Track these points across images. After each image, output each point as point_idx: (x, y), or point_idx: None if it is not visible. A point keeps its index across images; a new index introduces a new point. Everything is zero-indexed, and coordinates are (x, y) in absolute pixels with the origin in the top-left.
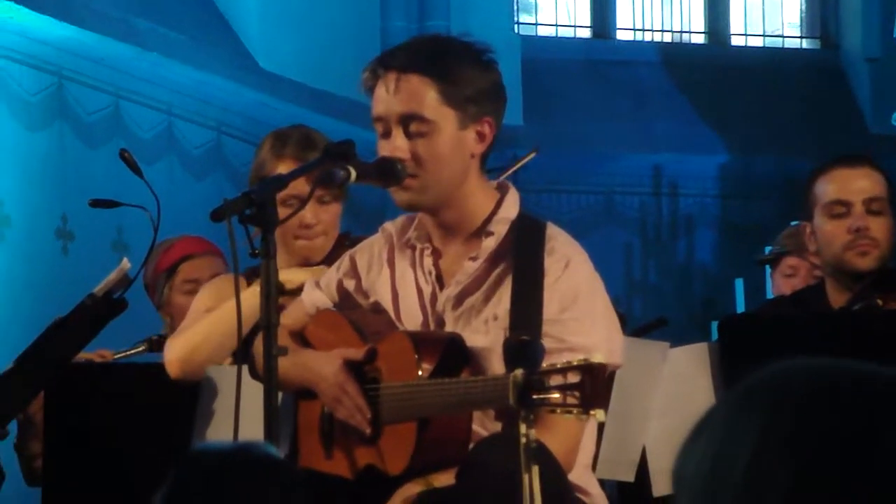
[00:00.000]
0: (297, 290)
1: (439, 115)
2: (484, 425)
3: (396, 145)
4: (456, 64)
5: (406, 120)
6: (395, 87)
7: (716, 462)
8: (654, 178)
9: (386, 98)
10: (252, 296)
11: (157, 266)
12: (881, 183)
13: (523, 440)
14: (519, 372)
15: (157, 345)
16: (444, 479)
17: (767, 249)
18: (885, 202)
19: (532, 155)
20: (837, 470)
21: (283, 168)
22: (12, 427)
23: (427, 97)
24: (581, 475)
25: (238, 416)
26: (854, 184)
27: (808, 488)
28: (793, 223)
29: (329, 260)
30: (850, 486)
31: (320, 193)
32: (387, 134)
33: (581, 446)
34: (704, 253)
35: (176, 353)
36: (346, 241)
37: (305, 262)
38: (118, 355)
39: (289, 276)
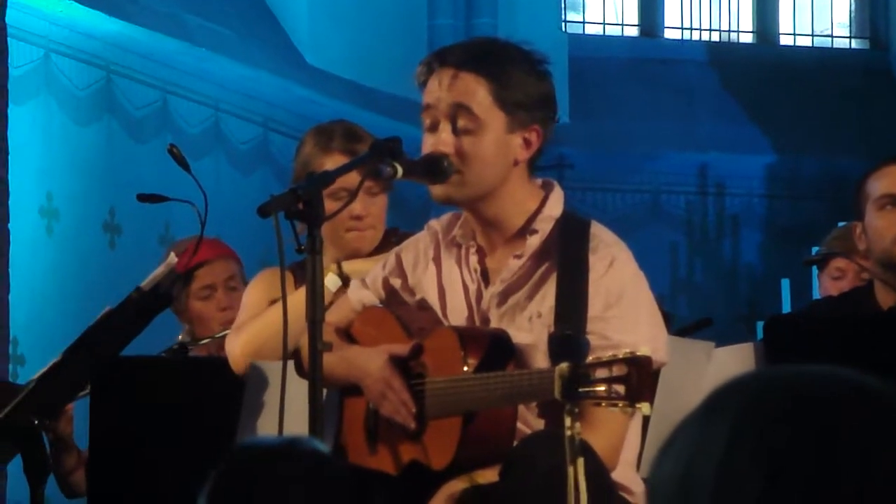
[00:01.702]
0: None
1: (488, 115)
2: (527, 422)
3: (442, 139)
4: (512, 68)
5: (455, 113)
6: (450, 82)
7: (688, 467)
8: (701, 178)
9: (438, 90)
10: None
11: None
12: None
13: (568, 433)
14: (564, 365)
15: (179, 355)
16: (489, 475)
17: (815, 250)
18: None
19: None
20: (806, 477)
21: (331, 162)
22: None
23: (479, 95)
24: (625, 473)
25: (283, 412)
26: None
27: (778, 493)
28: (840, 224)
29: (377, 253)
30: (818, 492)
31: (369, 185)
32: (433, 127)
33: (626, 443)
34: (750, 253)
35: (243, 348)
36: (393, 238)
37: (355, 255)
38: None
39: (354, 266)
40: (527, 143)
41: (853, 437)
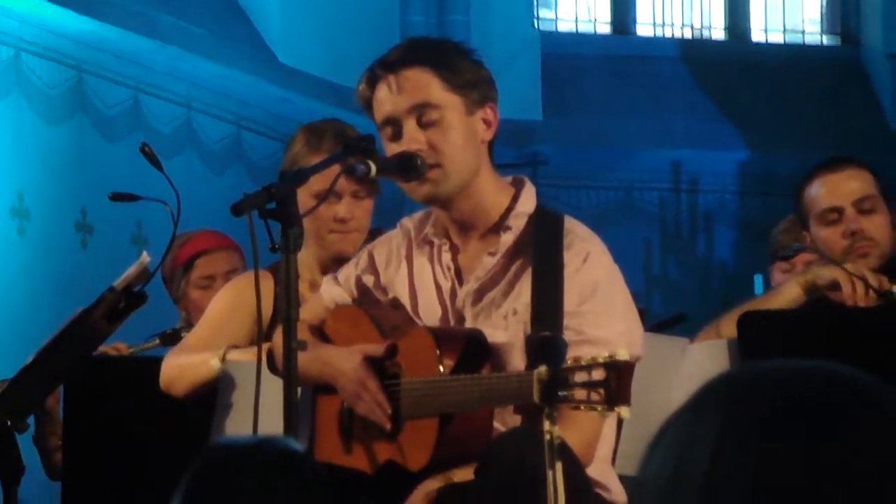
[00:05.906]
0: None
1: (446, 101)
2: (503, 421)
3: (412, 137)
4: (450, 55)
5: (417, 111)
6: (398, 84)
7: (678, 465)
8: (674, 174)
9: (391, 97)
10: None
11: (173, 260)
12: (868, 181)
13: (547, 437)
14: (543, 368)
15: (171, 339)
16: (465, 474)
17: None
18: (876, 199)
19: None
20: (796, 471)
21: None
22: (30, 421)
23: (432, 85)
24: (601, 470)
25: (257, 411)
26: (841, 187)
27: (767, 489)
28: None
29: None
30: (809, 486)
31: (355, 188)
32: (397, 135)
33: (601, 440)
34: (724, 249)
35: (162, 376)
36: (369, 237)
37: (338, 257)
38: (133, 349)
39: (235, 355)
40: (486, 122)
41: (841, 438)
